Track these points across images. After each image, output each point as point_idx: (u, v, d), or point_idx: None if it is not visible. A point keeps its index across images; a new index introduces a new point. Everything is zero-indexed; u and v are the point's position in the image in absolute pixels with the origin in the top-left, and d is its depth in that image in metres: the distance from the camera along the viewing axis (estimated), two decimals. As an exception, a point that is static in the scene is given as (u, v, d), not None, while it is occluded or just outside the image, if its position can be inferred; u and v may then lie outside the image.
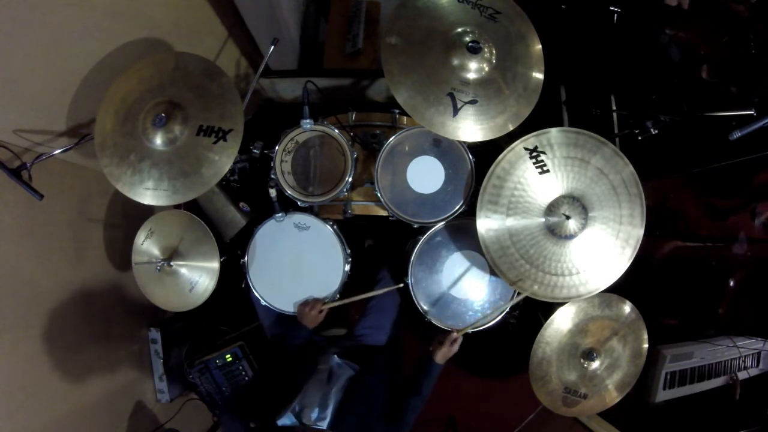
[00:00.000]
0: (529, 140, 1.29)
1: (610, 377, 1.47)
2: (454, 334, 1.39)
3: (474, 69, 1.27)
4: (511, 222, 1.29)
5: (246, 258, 1.53)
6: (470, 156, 1.48)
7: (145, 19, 1.51)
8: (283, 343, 1.51)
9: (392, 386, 1.42)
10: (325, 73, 2.27)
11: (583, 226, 1.27)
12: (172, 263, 1.53)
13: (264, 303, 1.53)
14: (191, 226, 1.54)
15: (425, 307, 1.50)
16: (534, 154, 1.28)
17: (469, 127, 1.27)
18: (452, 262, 1.51)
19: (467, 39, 1.26)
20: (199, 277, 1.52)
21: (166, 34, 1.61)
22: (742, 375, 2.00)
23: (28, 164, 1.25)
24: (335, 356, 1.45)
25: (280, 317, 1.62)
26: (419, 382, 1.40)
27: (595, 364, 1.44)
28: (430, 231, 1.48)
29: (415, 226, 1.52)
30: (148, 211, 1.70)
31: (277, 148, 1.49)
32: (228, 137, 1.27)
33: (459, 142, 1.47)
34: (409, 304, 1.52)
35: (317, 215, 1.54)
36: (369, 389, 1.36)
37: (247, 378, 1.96)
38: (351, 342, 1.63)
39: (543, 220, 1.28)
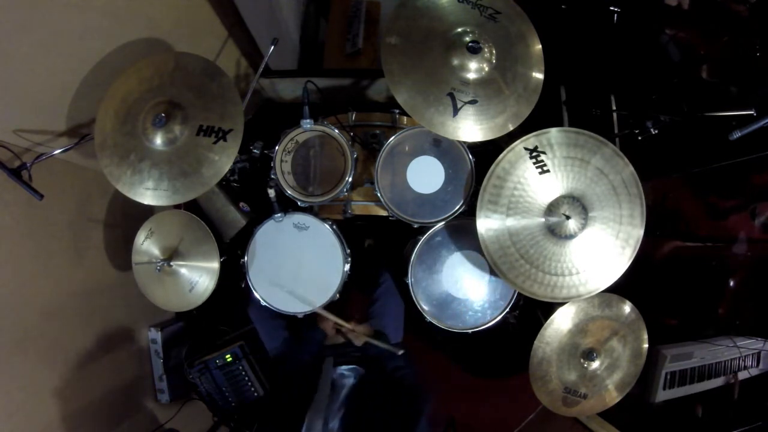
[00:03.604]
0: (529, 140, 1.29)
1: (610, 377, 1.47)
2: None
3: (474, 69, 1.26)
4: (511, 222, 1.29)
5: (246, 258, 1.53)
6: (470, 156, 1.48)
7: (145, 19, 1.51)
8: (293, 356, 1.51)
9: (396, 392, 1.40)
10: (325, 73, 2.27)
11: (583, 226, 1.27)
12: (172, 263, 1.53)
13: (264, 303, 1.53)
14: (191, 226, 1.54)
15: (425, 307, 1.50)
16: (534, 154, 1.28)
17: (469, 127, 1.27)
18: (452, 262, 1.51)
19: (467, 39, 1.26)
20: (199, 277, 1.52)
21: (166, 34, 1.61)
22: (742, 375, 2.00)
23: (28, 164, 1.25)
24: (337, 367, 1.43)
25: (289, 337, 1.64)
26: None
27: (595, 364, 1.44)
28: (430, 231, 1.48)
29: (415, 226, 1.52)
30: (148, 211, 1.70)
31: (277, 148, 1.49)
32: (228, 137, 1.27)
33: (459, 142, 1.47)
34: (409, 304, 1.52)
35: (317, 215, 1.54)
36: (372, 396, 1.34)
37: (247, 378, 1.96)
38: (353, 349, 1.61)
39: (543, 220, 1.28)
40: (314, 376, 1.37)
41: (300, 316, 1.53)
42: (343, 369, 1.44)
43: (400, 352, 1.44)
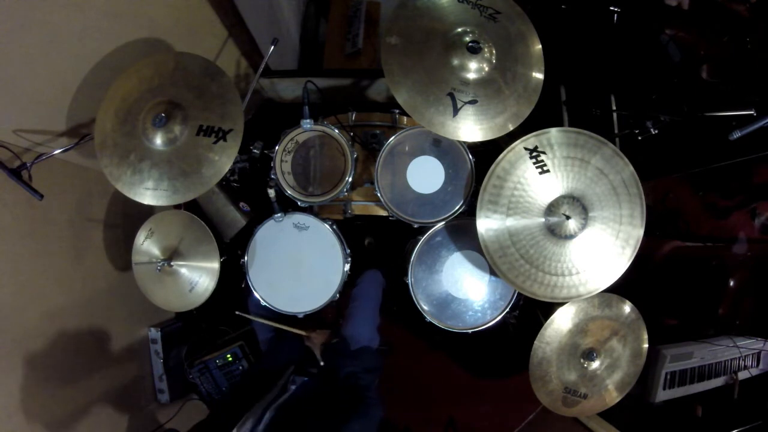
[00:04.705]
0: (529, 140, 1.29)
1: (610, 377, 1.47)
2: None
3: (474, 69, 1.26)
4: (511, 222, 1.29)
5: (246, 258, 1.53)
6: (470, 156, 1.48)
7: (145, 19, 1.51)
8: (271, 356, 1.50)
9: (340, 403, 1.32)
10: (325, 73, 2.27)
11: (583, 226, 1.27)
12: (172, 263, 1.53)
13: (264, 303, 1.53)
14: (191, 226, 1.54)
15: (425, 307, 1.50)
16: (534, 154, 1.28)
17: (469, 127, 1.27)
18: (452, 262, 1.51)
19: (467, 39, 1.26)
20: (199, 277, 1.52)
21: (166, 34, 1.61)
22: (742, 375, 2.00)
23: (28, 164, 1.25)
24: (293, 375, 1.39)
25: (273, 337, 1.63)
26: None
27: (595, 364, 1.44)
28: (430, 231, 1.48)
29: (415, 226, 1.52)
30: (148, 211, 1.70)
31: (277, 148, 1.49)
32: (228, 137, 1.27)
33: (459, 142, 1.47)
34: (409, 305, 1.52)
35: (317, 215, 1.54)
36: (313, 402, 1.27)
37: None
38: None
39: (543, 220, 1.28)
40: (278, 376, 1.34)
41: (300, 316, 1.53)
42: (296, 377, 1.39)
43: (314, 371, 1.42)
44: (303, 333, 1.54)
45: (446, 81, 1.26)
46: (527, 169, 1.29)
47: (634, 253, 1.27)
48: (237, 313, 1.58)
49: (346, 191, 1.51)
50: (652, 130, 1.50)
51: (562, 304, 1.38)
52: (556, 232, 1.28)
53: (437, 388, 2.18)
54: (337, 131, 1.48)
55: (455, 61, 1.26)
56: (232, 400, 1.24)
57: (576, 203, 1.27)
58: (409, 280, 1.49)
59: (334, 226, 1.54)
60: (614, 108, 1.86)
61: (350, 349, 1.51)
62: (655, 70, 1.87)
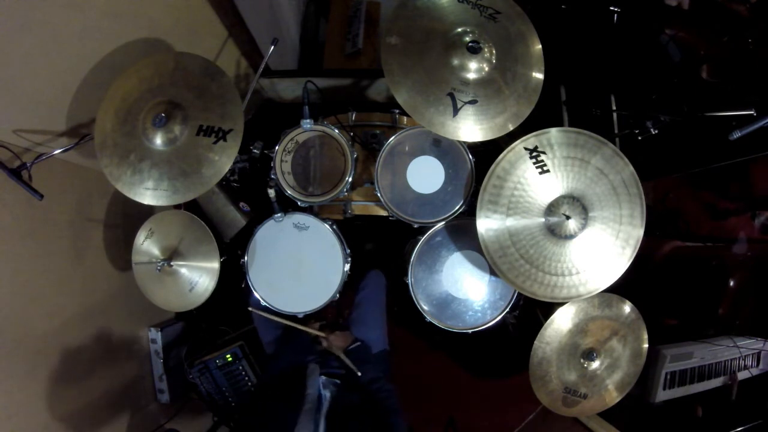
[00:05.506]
0: (529, 140, 1.29)
1: (610, 377, 1.47)
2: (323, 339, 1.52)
3: (474, 69, 1.26)
4: (511, 222, 1.29)
5: (246, 258, 1.53)
6: (470, 156, 1.48)
7: (145, 19, 1.51)
8: (281, 356, 1.50)
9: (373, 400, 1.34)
10: (325, 73, 2.27)
11: (583, 226, 1.27)
12: (172, 263, 1.53)
13: (264, 303, 1.53)
14: (191, 226, 1.54)
15: (425, 307, 1.50)
16: (534, 154, 1.28)
17: (469, 127, 1.27)
18: (452, 262, 1.51)
19: (467, 39, 1.26)
20: (199, 277, 1.52)
21: (166, 34, 1.61)
22: (742, 375, 2.00)
23: (28, 164, 1.25)
24: (321, 376, 1.38)
25: (281, 336, 1.62)
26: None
27: (595, 364, 1.44)
28: (430, 231, 1.48)
29: (415, 226, 1.52)
30: (148, 211, 1.70)
31: (277, 148, 1.49)
32: (228, 137, 1.27)
33: (459, 142, 1.47)
34: (409, 305, 1.52)
35: (317, 215, 1.54)
36: (351, 409, 1.28)
37: (247, 378, 1.96)
38: (334, 359, 1.55)
39: (543, 220, 1.28)
40: (301, 379, 1.32)
41: (300, 316, 1.53)
42: (324, 379, 1.38)
43: (359, 374, 1.40)
44: (321, 334, 1.53)
45: (446, 81, 1.26)
46: (527, 169, 1.29)
47: (634, 253, 1.27)
48: (250, 309, 1.58)
49: (346, 191, 1.51)
50: (652, 130, 1.50)
51: (562, 304, 1.38)
52: (556, 232, 1.28)
53: (437, 388, 2.18)
54: (337, 131, 1.48)
55: (455, 61, 1.26)
56: (262, 410, 1.22)
57: (576, 203, 1.27)
58: (409, 280, 1.49)
59: (334, 226, 1.54)
60: (614, 108, 1.86)
61: (372, 353, 1.51)
62: (655, 70, 1.88)
